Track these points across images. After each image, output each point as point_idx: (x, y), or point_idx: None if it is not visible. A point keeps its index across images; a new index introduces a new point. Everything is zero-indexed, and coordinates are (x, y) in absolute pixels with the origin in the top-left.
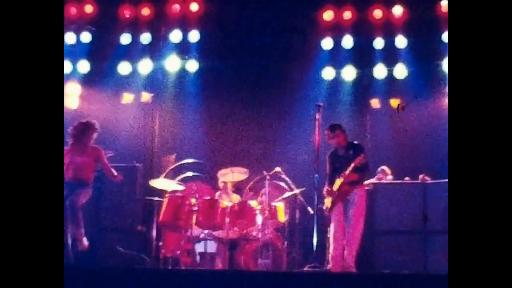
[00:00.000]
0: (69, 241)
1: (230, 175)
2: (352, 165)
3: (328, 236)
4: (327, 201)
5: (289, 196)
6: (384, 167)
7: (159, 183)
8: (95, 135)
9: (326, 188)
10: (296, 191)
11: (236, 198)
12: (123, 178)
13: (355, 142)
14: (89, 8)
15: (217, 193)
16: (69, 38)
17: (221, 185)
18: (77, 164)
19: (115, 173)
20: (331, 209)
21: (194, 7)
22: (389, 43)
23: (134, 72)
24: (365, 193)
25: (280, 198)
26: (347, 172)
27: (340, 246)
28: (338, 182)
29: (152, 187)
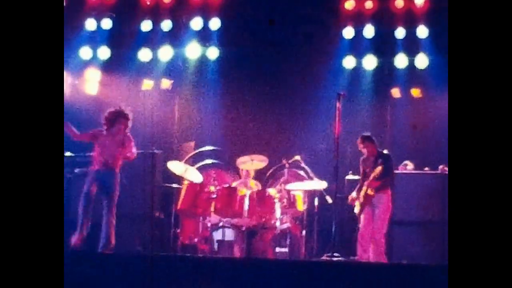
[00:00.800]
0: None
1: (250, 163)
2: (372, 176)
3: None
4: (357, 205)
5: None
6: (408, 162)
7: (177, 166)
8: (128, 124)
9: (353, 194)
10: (317, 185)
11: (255, 186)
12: (142, 164)
13: (385, 151)
14: None
15: (237, 181)
16: (90, 24)
17: (243, 173)
18: (107, 150)
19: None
20: (360, 213)
21: None
22: (411, 32)
23: (155, 59)
24: (389, 197)
25: (299, 188)
26: (369, 181)
27: (366, 243)
28: (365, 189)
29: (171, 173)
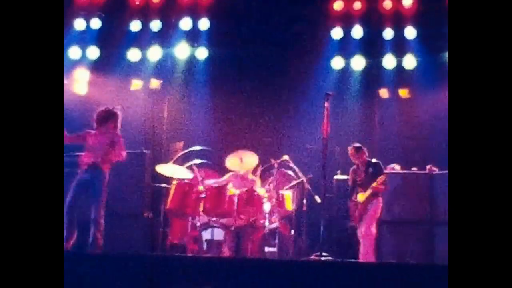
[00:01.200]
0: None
1: (239, 164)
2: (370, 190)
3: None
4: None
5: (296, 184)
6: (394, 165)
7: (166, 168)
8: (117, 123)
9: (352, 200)
10: (304, 178)
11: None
12: (131, 164)
13: (374, 160)
14: None
15: (229, 174)
16: (79, 24)
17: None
18: (96, 150)
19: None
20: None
21: None
22: (399, 33)
23: (144, 59)
24: (380, 201)
25: (287, 186)
26: (367, 194)
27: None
28: (362, 196)
29: (160, 173)
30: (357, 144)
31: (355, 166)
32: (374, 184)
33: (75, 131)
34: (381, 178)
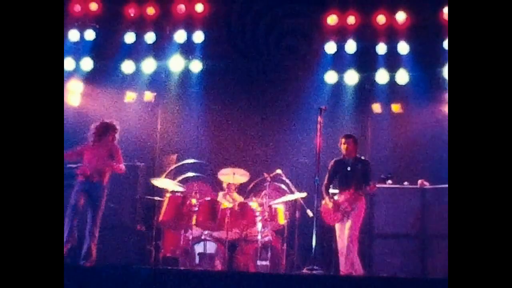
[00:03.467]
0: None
1: (231, 176)
2: (359, 192)
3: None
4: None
5: (290, 200)
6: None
7: (161, 182)
8: (116, 135)
9: (332, 200)
10: (298, 196)
11: (239, 198)
12: (125, 177)
13: (363, 157)
14: (94, 6)
15: (220, 194)
16: (73, 35)
17: (225, 185)
18: (94, 163)
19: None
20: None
21: (199, 7)
22: (392, 48)
23: (138, 71)
24: (363, 203)
25: (280, 201)
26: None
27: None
28: (344, 200)
29: (153, 186)
30: (351, 134)
31: (339, 157)
32: (368, 189)
33: (69, 141)
34: (374, 184)
